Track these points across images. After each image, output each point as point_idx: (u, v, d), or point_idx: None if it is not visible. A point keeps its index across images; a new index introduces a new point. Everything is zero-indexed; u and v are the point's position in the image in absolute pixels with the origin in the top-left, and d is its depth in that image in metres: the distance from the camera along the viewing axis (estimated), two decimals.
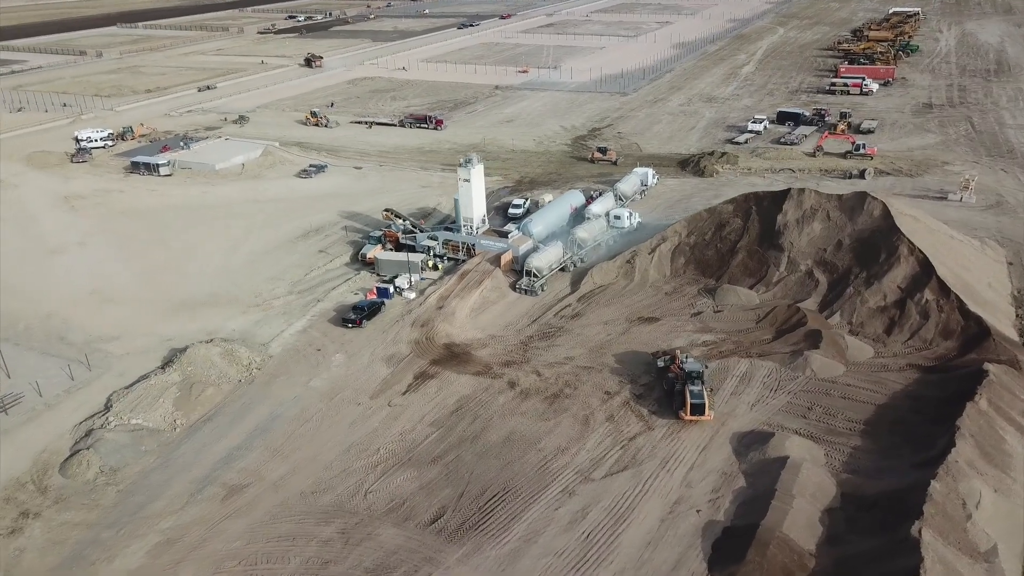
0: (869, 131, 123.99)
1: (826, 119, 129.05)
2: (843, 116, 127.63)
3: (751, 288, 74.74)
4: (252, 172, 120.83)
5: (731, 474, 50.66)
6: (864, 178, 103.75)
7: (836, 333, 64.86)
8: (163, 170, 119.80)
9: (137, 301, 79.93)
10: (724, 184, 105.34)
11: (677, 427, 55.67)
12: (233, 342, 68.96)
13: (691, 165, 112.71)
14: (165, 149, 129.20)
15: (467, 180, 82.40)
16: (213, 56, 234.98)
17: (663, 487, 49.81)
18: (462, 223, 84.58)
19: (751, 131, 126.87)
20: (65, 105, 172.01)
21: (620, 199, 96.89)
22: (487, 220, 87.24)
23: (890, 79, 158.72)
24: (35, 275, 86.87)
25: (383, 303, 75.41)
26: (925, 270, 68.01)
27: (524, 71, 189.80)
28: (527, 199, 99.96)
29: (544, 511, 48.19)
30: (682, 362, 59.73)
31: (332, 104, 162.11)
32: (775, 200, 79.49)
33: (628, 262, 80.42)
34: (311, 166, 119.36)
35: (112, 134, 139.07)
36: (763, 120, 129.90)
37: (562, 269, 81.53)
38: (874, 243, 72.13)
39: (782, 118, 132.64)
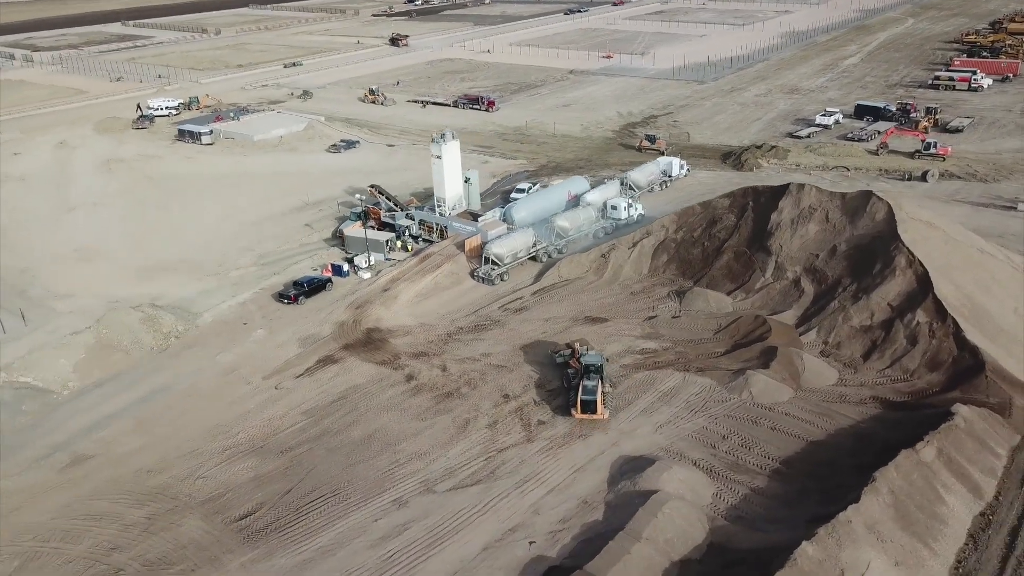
0: (957, 130, 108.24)
1: (911, 115, 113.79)
2: (929, 112, 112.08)
3: (730, 293, 65.45)
4: (288, 145, 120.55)
5: (592, 504, 43.20)
6: (926, 180, 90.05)
7: (795, 353, 55.01)
8: (204, 139, 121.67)
9: (111, 261, 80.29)
10: (762, 180, 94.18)
11: (561, 441, 48.55)
12: (161, 309, 67.29)
13: (732, 158, 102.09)
14: (218, 119, 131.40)
15: (438, 157, 77.13)
16: (319, 36, 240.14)
17: (507, 509, 43.10)
18: (436, 203, 79.45)
19: (818, 125, 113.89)
20: (159, 76, 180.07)
21: (631, 188, 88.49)
22: (465, 201, 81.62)
23: (1012, 75, 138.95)
24: (38, 232, 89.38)
25: (328, 281, 71.61)
26: (923, 287, 56.70)
27: (608, 57, 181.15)
28: (535, 184, 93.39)
29: (363, 521, 42.74)
30: (580, 355, 52.61)
31: (398, 83, 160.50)
32: (774, 196, 69.41)
33: (603, 256, 72.74)
34: (342, 141, 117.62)
35: (181, 104, 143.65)
36: (835, 113, 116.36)
37: (532, 258, 74.84)
38: (873, 251, 61.10)
39: (860, 112, 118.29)
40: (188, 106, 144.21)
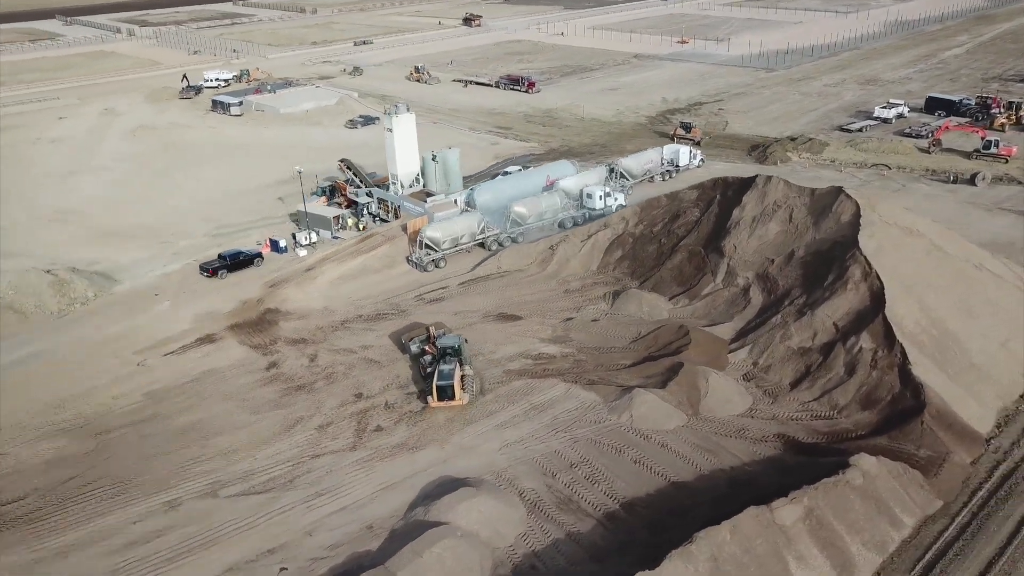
0: None
1: (991, 110, 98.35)
2: (1011, 107, 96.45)
3: (674, 298, 56.66)
4: (313, 119, 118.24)
5: (377, 531, 36.69)
6: (974, 184, 76.56)
7: (702, 372, 45.98)
8: (233, 110, 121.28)
9: (81, 224, 79.69)
10: (785, 175, 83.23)
11: (387, 452, 42.14)
12: (79, 274, 65.26)
13: (759, 150, 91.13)
14: (257, 92, 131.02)
15: (390, 130, 71.51)
16: (407, 16, 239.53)
17: (280, 526, 37.25)
18: (390, 181, 74.01)
19: (876, 118, 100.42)
20: (233, 51, 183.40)
21: (624, 177, 79.91)
22: (421, 179, 75.64)
23: None
24: (35, 192, 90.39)
25: (258, 256, 67.60)
26: (875, 306, 46.27)
27: (683, 42, 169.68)
28: (527, 167, 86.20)
29: (122, 521, 38.03)
30: (436, 338, 46.23)
31: (451, 62, 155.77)
32: (741, 189, 59.68)
33: (551, 248, 65.13)
34: (360, 117, 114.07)
35: (233, 76, 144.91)
36: (898, 106, 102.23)
37: (480, 245, 68.14)
38: (831, 258, 50.82)
39: (931, 106, 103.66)
40: (240, 78, 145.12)
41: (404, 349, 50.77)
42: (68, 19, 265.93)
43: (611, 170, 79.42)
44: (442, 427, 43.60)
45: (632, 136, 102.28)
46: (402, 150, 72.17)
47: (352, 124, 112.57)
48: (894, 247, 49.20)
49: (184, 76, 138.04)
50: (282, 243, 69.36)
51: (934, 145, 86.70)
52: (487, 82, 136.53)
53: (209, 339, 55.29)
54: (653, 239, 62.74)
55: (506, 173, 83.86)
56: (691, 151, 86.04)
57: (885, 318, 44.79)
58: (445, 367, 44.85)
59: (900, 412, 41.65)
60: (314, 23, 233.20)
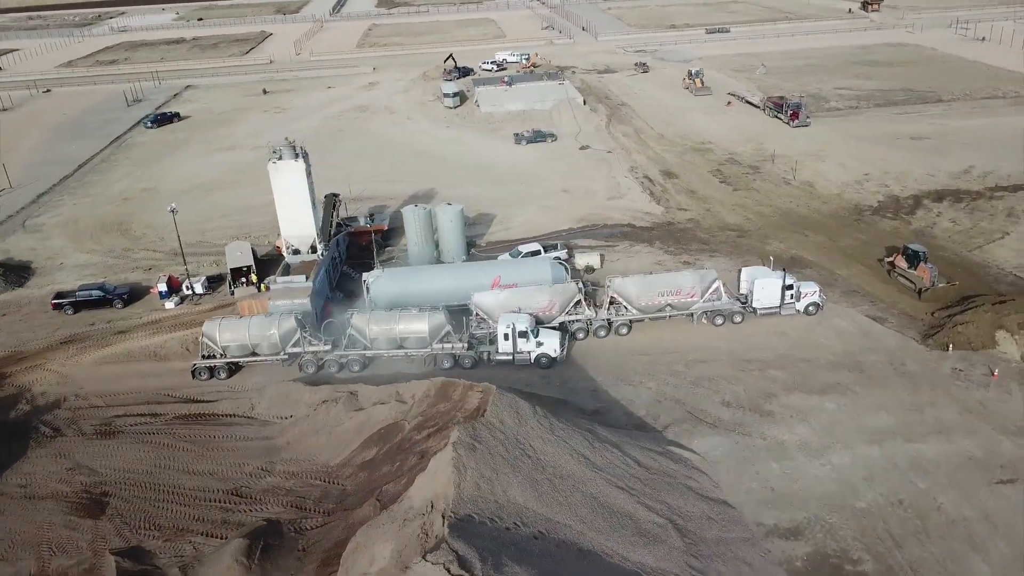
0: None
1: None
2: None
3: None
4: (495, 123, 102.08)
5: None
6: None
7: None
8: (447, 101, 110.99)
9: (146, 205, 78.54)
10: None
11: None
12: None
13: (947, 327, 49.24)
14: (503, 82, 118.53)
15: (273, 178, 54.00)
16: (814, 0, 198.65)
17: None
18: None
19: None
20: (583, 29, 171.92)
21: (618, 303, 50.05)
22: (321, 244, 56.38)
23: None
24: (173, 161, 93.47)
25: (120, 297, 57.57)
26: None
27: None
28: (559, 248, 60.25)
29: None
30: None
31: (763, 67, 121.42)
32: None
33: (322, 403, 42.59)
34: (530, 131, 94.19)
35: (519, 58, 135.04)
36: None
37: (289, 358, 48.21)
38: None
39: None
40: (520, 63, 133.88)
41: None
42: None
43: (582, 284, 49.93)
44: None
45: (825, 228, 65.01)
46: (286, 204, 54.11)
47: (518, 138, 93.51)
48: None
49: (450, 56, 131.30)
50: (163, 289, 57.63)
51: None
52: (756, 103, 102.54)
53: None
54: (397, 452, 36.21)
55: (518, 253, 59.27)
56: (801, 286, 50.13)
57: None
58: None
59: None
60: (715, 1, 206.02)
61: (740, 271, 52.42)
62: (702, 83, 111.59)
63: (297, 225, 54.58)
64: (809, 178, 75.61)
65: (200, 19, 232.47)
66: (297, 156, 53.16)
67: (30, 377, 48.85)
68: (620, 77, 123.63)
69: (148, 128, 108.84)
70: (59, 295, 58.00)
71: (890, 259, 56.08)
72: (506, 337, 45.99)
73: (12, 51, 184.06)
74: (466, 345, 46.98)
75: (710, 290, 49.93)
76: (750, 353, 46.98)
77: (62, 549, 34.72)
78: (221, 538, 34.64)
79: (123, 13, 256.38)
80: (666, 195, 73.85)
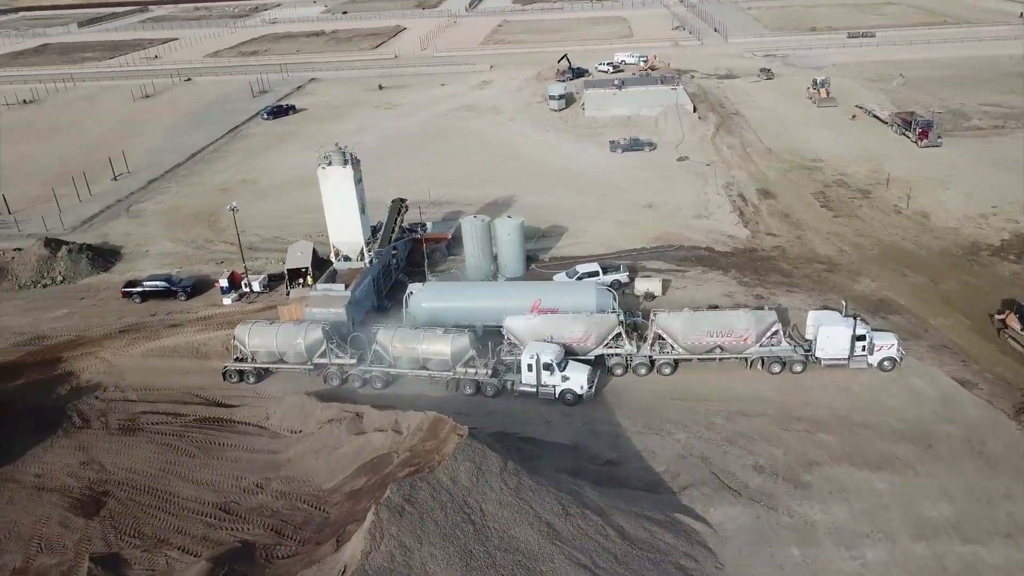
0: None
1: None
2: None
3: None
4: (597, 128, 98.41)
5: None
6: None
7: None
8: (552, 103, 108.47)
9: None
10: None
11: None
12: (99, 254, 67.19)
13: None
14: (612, 86, 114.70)
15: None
16: (995, 1, 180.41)
17: None
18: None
19: None
20: (715, 30, 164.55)
21: (665, 339, 46.15)
22: (372, 251, 55.18)
23: None
24: (275, 154, 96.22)
25: (183, 289, 59.13)
26: None
27: None
28: (620, 270, 56.77)
29: None
30: None
31: (900, 77, 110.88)
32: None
33: (328, 423, 41.53)
34: (626, 140, 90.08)
35: (638, 59, 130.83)
36: None
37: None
38: None
39: None
40: (638, 65, 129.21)
41: None
42: None
43: (629, 319, 46.19)
44: None
45: (929, 267, 57.76)
46: (335, 210, 53.34)
47: (614, 146, 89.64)
48: None
49: (564, 56, 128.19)
50: (224, 284, 58.72)
51: None
52: (884, 118, 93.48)
53: None
54: (379, 487, 34.37)
55: (575, 273, 56.26)
56: (875, 337, 44.38)
57: None
58: None
59: None
60: (866, 3, 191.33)
61: (811, 315, 46.90)
62: (827, 93, 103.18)
63: (345, 232, 53.83)
64: (925, 207, 67.63)
65: (345, 12, 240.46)
66: (346, 163, 52.25)
67: (82, 363, 50.62)
68: (741, 83, 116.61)
69: (264, 120, 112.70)
70: (129, 283, 60.22)
71: (1002, 315, 48.56)
72: (530, 368, 43.16)
73: (171, 40, 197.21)
74: (490, 372, 44.45)
75: (767, 334, 44.94)
76: (802, 410, 41.81)
77: (50, 547, 35.21)
78: (196, 555, 34.03)
79: (278, 5, 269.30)
80: (756, 217, 68.16)
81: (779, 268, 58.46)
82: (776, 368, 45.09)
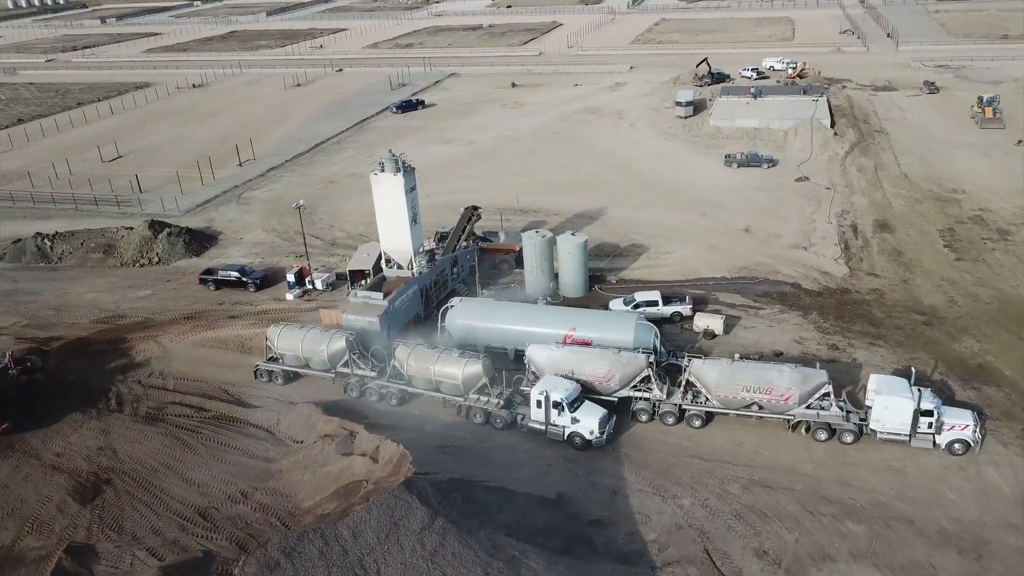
0: None
1: None
2: None
3: None
4: (720, 140, 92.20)
5: None
6: None
7: None
8: (679, 110, 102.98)
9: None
10: None
11: None
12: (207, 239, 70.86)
13: None
14: (748, 93, 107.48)
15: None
16: None
17: None
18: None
19: None
20: (887, 35, 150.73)
21: (701, 392, 41.92)
22: (420, 260, 53.79)
23: None
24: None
25: (257, 280, 60.88)
26: None
27: None
28: (687, 301, 52.55)
29: None
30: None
31: None
32: None
33: (324, 438, 40.95)
34: (744, 153, 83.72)
35: (785, 66, 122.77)
36: None
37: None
38: None
39: None
40: (786, 70, 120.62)
41: None
42: None
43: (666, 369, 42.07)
44: None
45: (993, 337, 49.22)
46: (387, 218, 52.43)
47: (729, 160, 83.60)
48: None
49: (705, 60, 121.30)
50: (291, 279, 59.94)
51: None
52: None
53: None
54: (337, 515, 33.05)
55: (631, 300, 52.57)
56: (946, 413, 37.94)
57: None
58: None
59: None
60: None
61: (871, 377, 40.78)
62: (994, 113, 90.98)
63: (395, 239, 52.97)
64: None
65: (509, 6, 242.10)
66: (398, 171, 51.24)
67: (142, 347, 53.09)
68: (897, 97, 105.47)
69: (393, 113, 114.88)
70: (207, 271, 62.72)
71: None
72: (539, 404, 40.31)
73: (341, 31, 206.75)
74: (503, 402, 41.99)
75: (815, 395, 39.42)
76: (837, 490, 36.23)
77: (39, 529, 36.74)
78: (160, 559, 34.29)
79: None
80: (863, 253, 60.77)
81: (869, 315, 51.56)
82: (822, 435, 39.50)
